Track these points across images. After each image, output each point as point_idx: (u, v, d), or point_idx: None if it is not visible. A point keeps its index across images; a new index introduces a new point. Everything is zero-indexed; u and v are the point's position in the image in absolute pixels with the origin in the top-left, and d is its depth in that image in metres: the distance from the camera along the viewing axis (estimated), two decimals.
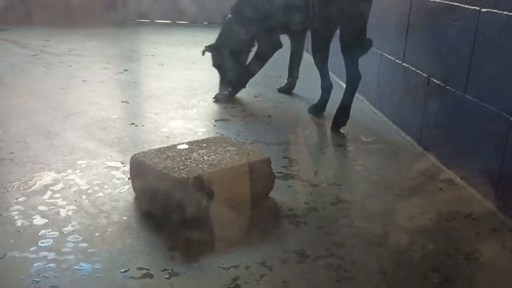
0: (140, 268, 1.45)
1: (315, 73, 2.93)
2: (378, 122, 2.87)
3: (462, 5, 2.10)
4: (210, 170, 1.73)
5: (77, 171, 2.06)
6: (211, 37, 5.54)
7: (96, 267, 1.44)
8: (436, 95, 2.32)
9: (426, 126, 2.42)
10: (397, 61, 2.74)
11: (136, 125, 2.66)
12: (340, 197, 1.94)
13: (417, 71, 2.50)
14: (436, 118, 2.34)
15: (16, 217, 1.68)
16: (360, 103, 3.22)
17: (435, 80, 2.33)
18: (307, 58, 3.49)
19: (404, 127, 2.66)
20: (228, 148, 1.93)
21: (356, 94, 3.34)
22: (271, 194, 1.92)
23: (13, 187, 1.89)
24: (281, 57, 3.28)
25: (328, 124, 2.79)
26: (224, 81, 3.23)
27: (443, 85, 2.25)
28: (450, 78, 2.20)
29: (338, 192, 1.98)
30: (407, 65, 2.62)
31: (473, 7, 2.02)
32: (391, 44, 2.83)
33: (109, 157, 2.21)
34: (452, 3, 2.18)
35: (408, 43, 2.63)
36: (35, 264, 1.44)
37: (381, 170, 2.22)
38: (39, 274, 1.39)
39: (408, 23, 2.61)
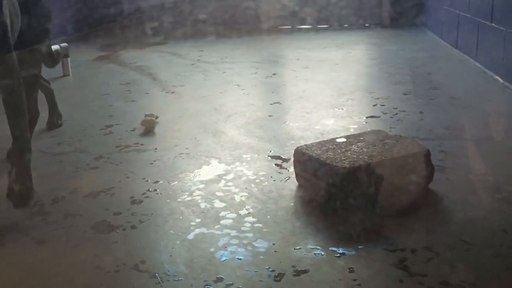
0: (311, 247, 1.59)
1: (467, 69, 2.85)
2: None
3: None
4: (371, 161, 1.82)
5: (244, 163, 2.29)
6: (352, 38, 5.70)
7: (272, 243, 1.62)
8: None
9: None
10: None
11: (290, 123, 2.84)
12: (503, 189, 1.89)
13: None
14: None
15: (199, 201, 1.94)
16: None
17: None
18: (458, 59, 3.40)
19: None
20: (385, 141, 2.00)
21: None
22: (430, 186, 1.94)
23: (193, 176, 2.17)
24: (429, 54, 3.24)
25: (487, 122, 2.70)
26: None
27: None
28: None
29: (501, 186, 1.93)
30: None
31: None
32: None
33: (270, 152, 2.41)
34: None
35: None
36: (221, 239, 1.66)
37: None
38: (225, 247, 1.61)
39: None
